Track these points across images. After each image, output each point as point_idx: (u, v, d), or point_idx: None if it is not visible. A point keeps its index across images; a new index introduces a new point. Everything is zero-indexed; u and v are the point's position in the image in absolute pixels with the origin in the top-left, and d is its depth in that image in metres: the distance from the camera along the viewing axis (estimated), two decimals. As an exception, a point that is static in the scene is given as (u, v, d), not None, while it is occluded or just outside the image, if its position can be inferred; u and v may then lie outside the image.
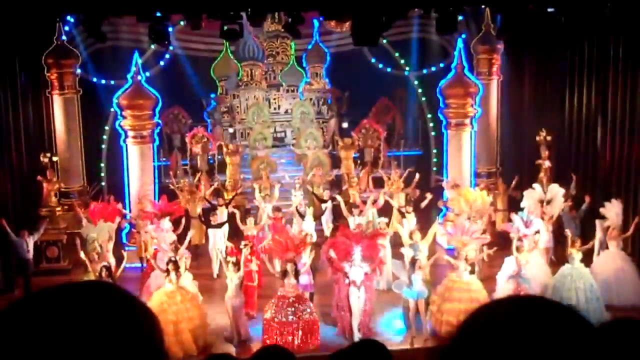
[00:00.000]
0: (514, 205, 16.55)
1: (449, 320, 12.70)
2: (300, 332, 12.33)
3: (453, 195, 16.77)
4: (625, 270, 14.14)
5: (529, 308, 1.54)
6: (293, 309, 12.35)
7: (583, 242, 13.98)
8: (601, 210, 14.72)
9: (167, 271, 12.61)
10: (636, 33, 15.41)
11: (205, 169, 19.28)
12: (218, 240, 15.86)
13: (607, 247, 14.62)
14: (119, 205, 16.23)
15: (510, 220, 14.46)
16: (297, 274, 12.55)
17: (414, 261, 12.80)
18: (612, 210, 14.55)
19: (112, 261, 14.01)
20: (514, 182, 17.17)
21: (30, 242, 15.02)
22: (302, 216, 15.98)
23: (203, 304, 13.39)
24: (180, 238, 14.36)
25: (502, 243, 14.99)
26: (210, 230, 16.08)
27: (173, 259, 12.87)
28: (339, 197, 16.68)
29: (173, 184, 17.73)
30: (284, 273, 12.58)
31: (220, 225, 16.00)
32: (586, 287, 13.17)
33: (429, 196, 16.58)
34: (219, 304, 13.50)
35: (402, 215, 15.99)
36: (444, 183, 17.99)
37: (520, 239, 13.52)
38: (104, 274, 12.68)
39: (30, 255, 15.02)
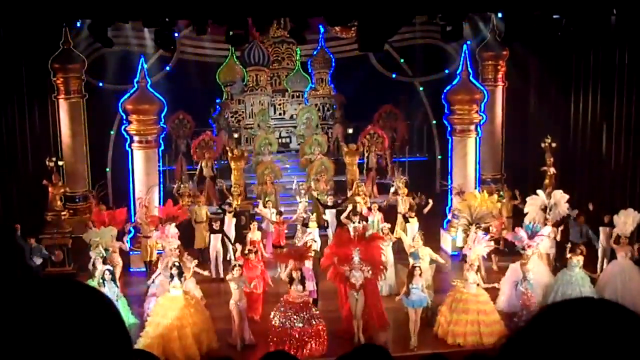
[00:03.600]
0: (518, 212, 16.50)
1: (456, 330, 12.75)
2: (306, 339, 12.33)
3: (459, 202, 16.78)
4: (632, 280, 13.96)
5: (593, 309, 1.55)
6: (300, 316, 12.36)
7: (587, 251, 13.98)
8: (615, 216, 14.57)
9: (171, 276, 12.62)
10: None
11: (210, 174, 19.30)
12: (218, 243, 16.00)
13: (613, 256, 14.52)
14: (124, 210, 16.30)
15: (514, 231, 14.44)
16: (303, 282, 12.57)
17: (412, 269, 12.79)
18: (621, 218, 14.42)
19: (120, 261, 14.19)
20: (518, 198, 16.88)
21: (35, 251, 15.09)
22: (305, 226, 15.98)
23: (206, 308, 13.42)
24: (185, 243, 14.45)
25: (509, 251, 14.96)
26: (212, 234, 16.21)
27: (177, 264, 12.89)
28: (348, 211, 16.65)
29: (174, 189, 17.89)
30: (291, 280, 12.57)
31: (221, 230, 16.09)
32: (582, 295, 13.11)
33: (430, 202, 16.62)
34: (220, 308, 13.49)
35: (406, 220, 16.00)
36: (451, 187, 17.96)
37: (524, 248, 13.53)
38: (107, 277, 12.78)
39: (36, 262, 15.08)
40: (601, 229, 15.13)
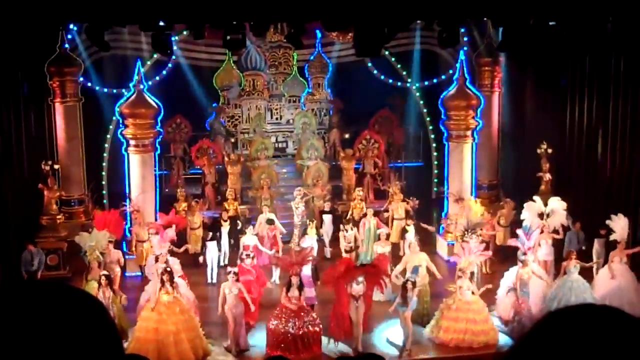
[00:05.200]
0: (516, 222, 16.48)
1: (443, 337, 12.87)
2: (303, 343, 12.33)
3: (456, 209, 16.78)
4: (625, 286, 13.88)
5: (596, 316, 1.56)
6: (297, 320, 12.36)
7: (582, 257, 13.99)
8: (607, 222, 14.54)
9: (162, 282, 12.54)
10: (637, 47, 15.46)
11: (212, 180, 19.28)
12: (213, 248, 16.05)
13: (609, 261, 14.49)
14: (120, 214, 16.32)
15: (515, 235, 14.48)
16: (301, 287, 12.56)
17: (405, 283, 12.77)
18: (619, 223, 14.36)
19: (118, 272, 14.31)
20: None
21: (36, 256, 15.07)
22: (305, 234, 15.94)
23: (202, 312, 13.42)
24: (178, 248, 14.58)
25: (502, 258, 14.97)
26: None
27: (168, 269, 12.83)
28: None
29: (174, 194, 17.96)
30: (288, 286, 12.56)
31: (214, 238, 16.14)
32: (584, 301, 13.10)
33: (431, 229, 16.75)
34: (216, 313, 13.46)
35: (405, 231, 15.96)
36: (447, 194, 17.95)
37: (524, 253, 13.53)
38: (103, 282, 12.76)
39: (35, 267, 15.04)
40: (596, 240, 15.11)
